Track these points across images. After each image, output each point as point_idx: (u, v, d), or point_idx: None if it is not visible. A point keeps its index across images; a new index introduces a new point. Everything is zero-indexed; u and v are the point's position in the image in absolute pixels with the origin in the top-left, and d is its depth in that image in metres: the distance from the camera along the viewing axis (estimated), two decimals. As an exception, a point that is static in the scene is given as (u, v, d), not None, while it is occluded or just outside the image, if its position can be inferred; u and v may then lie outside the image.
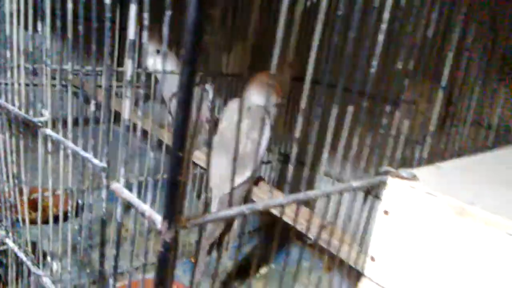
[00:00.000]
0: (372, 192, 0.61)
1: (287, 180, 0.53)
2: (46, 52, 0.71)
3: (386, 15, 0.52)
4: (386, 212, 0.56)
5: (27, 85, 0.78)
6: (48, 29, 0.69)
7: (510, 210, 0.50)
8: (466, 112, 0.83)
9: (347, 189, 0.55)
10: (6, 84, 0.82)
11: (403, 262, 0.54)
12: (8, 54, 0.79)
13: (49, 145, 0.72)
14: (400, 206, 0.55)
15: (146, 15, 0.42)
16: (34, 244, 0.88)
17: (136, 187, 0.47)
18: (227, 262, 1.52)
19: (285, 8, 0.43)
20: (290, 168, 0.52)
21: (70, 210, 0.85)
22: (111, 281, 0.53)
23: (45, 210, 0.82)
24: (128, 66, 0.43)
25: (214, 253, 1.39)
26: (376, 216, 0.58)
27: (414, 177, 0.56)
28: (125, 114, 0.45)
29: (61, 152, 0.69)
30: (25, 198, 0.86)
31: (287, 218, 0.66)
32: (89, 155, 0.59)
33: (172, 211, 0.34)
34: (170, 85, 1.27)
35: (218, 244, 1.34)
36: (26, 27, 0.76)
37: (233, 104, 1.18)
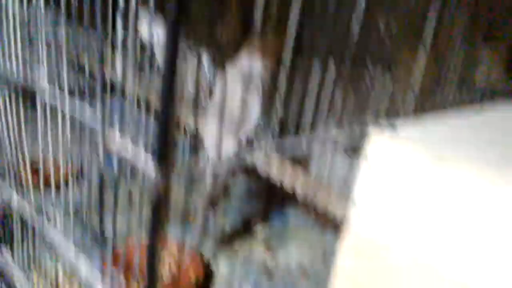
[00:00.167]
0: (358, 149, 0.64)
1: (280, 143, 0.56)
2: (41, 23, 0.73)
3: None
4: (368, 162, 0.59)
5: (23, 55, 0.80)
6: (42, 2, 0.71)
7: (487, 160, 0.53)
8: (451, 72, 0.85)
9: (330, 139, 0.58)
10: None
11: (386, 210, 0.58)
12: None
13: (47, 111, 0.74)
14: (381, 156, 0.58)
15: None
16: (39, 208, 0.92)
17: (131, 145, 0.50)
18: (226, 223, 1.57)
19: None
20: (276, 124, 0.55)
21: (71, 177, 0.88)
22: (110, 243, 0.57)
23: (47, 178, 0.85)
24: (119, 32, 0.45)
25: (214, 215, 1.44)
26: (359, 167, 0.61)
27: (395, 128, 0.59)
28: (118, 75, 0.48)
29: (59, 117, 0.72)
30: (27, 165, 0.89)
31: (279, 175, 0.70)
32: (86, 116, 0.61)
33: (164, 157, 0.37)
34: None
35: (216, 205, 1.39)
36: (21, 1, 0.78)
37: (228, 71, 1.21)
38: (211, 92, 1.19)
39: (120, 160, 0.50)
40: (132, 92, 0.51)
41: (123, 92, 0.52)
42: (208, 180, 1.26)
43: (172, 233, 1.40)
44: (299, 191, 0.90)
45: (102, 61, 0.54)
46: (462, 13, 0.81)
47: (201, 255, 1.32)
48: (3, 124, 0.91)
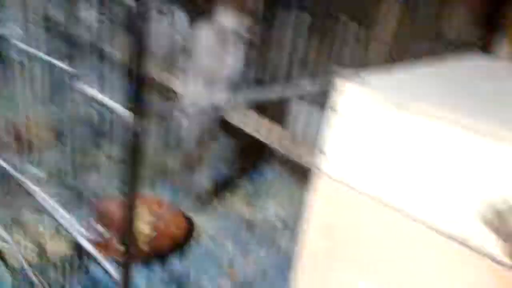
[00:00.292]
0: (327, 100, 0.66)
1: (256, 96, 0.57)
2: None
3: None
4: (335, 110, 0.61)
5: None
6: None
7: (443, 107, 0.56)
8: (423, 24, 0.87)
9: (300, 90, 0.60)
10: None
11: (352, 156, 0.61)
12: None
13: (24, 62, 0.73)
14: (347, 104, 0.60)
15: None
16: (22, 169, 0.93)
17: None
18: (208, 180, 1.60)
19: None
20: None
21: (53, 138, 0.88)
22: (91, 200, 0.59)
23: (28, 139, 0.85)
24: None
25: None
26: (327, 116, 0.63)
27: (361, 78, 0.61)
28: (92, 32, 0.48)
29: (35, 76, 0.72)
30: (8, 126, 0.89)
31: (255, 131, 0.71)
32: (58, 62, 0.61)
33: (137, 102, 0.38)
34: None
35: (196, 165, 1.41)
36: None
37: (204, 28, 1.20)
38: (186, 48, 1.19)
39: (98, 113, 0.51)
40: (106, 47, 0.51)
41: (97, 48, 0.53)
42: (186, 136, 1.28)
43: (154, 191, 1.42)
44: (276, 146, 0.92)
45: (73, 18, 0.54)
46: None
47: (183, 211, 1.35)
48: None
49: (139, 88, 0.37)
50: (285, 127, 1.25)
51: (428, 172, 0.54)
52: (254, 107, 1.09)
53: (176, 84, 1.33)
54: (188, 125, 1.27)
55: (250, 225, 1.40)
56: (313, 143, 0.76)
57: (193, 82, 1.16)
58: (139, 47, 0.37)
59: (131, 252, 0.54)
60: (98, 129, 1.04)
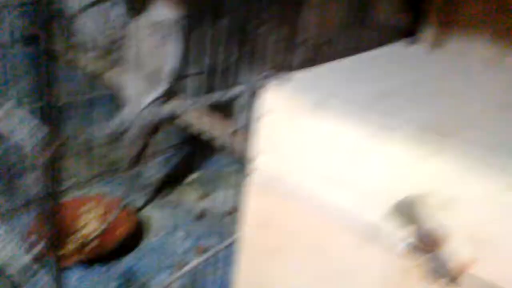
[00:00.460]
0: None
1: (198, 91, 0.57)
2: None
3: None
4: (263, 111, 0.63)
5: None
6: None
7: (361, 104, 0.59)
8: (347, 14, 0.88)
9: (239, 91, 0.61)
10: None
11: (282, 153, 0.63)
12: None
13: None
14: (273, 106, 0.62)
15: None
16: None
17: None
18: (156, 174, 1.59)
19: None
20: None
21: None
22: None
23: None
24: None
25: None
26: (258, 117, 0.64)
27: (287, 80, 0.62)
28: None
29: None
30: None
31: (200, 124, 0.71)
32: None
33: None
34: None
35: (141, 158, 1.40)
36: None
37: (140, 20, 1.17)
38: (123, 43, 1.17)
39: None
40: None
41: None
42: (131, 132, 1.27)
43: (101, 189, 1.41)
44: (222, 138, 0.93)
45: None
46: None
47: (131, 208, 1.34)
48: None
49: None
50: (229, 118, 1.26)
51: (347, 169, 0.56)
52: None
53: (116, 79, 1.31)
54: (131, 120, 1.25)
55: (200, 215, 1.41)
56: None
57: (133, 77, 1.15)
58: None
59: (60, 257, 0.54)
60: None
